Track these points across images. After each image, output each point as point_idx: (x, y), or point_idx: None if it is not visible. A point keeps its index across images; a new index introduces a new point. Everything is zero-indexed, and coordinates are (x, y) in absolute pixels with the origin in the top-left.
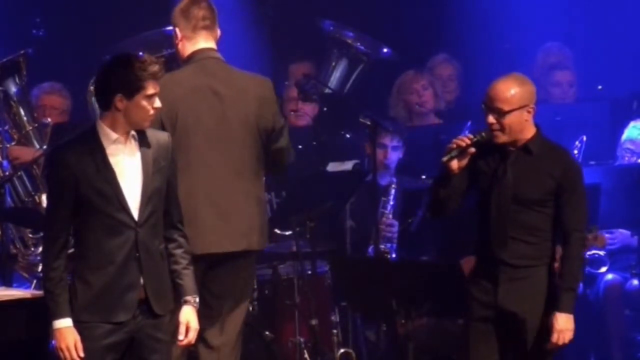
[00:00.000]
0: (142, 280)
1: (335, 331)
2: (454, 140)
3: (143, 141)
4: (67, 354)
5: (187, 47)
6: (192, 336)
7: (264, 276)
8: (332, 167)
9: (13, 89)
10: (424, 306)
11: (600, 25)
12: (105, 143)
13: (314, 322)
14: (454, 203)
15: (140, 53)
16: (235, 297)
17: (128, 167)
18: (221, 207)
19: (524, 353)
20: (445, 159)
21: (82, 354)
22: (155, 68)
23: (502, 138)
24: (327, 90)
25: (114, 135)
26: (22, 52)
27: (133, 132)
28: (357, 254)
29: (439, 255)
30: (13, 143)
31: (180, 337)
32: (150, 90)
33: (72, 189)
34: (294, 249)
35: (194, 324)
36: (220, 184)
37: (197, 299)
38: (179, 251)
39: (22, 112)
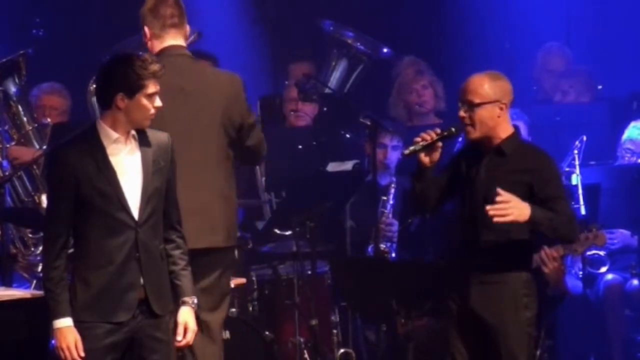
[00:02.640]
0: (142, 281)
1: (335, 331)
2: (421, 134)
3: (143, 141)
4: (67, 353)
5: (156, 45)
6: (190, 337)
7: (264, 276)
8: (332, 167)
9: (13, 89)
10: (424, 306)
11: (600, 25)
12: (105, 142)
13: (314, 322)
14: (432, 200)
15: (141, 52)
16: (212, 297)
17: (128, 167)
18: (184, 205)
19: (495, 356)
20: (406, 151)
21: (82, 354)
22: (156, 67)
23: (473, 134)
24: (327, 90)
25: (115, 135)
26: (22, 52)
27: (133, 132)
28: (357, 254)
29: (439, 255)
30: (13, 143)
31: (179, 337)
32: (151, 89)
33: (72, 188)
34: (294, 249)
35: (193, 325)
36: (185, 181)
37: (196, 300)
38: (177, 252)
39: (21, 112)
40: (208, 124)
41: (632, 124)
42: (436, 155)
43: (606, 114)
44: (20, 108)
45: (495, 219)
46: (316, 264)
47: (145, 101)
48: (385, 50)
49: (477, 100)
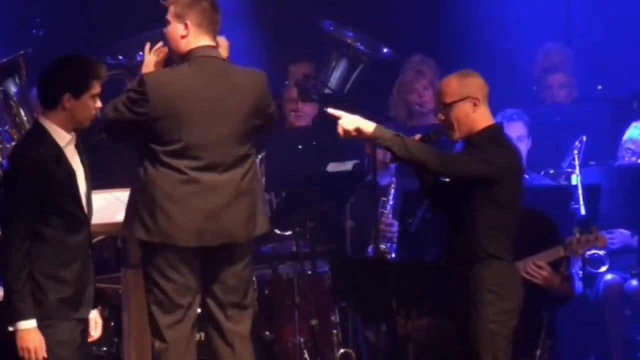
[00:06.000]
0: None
1: (335, 331)
2: None
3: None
4: (33, 355)
5: (192, 43)
6: (100, 331)
7: (264, 276)
8: (332, 167)
9: (13, 89)
10: (424, 306)
11: (600, 25)
12: (60, 142)
13: (314, 322)
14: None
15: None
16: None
17: (76, 166)
18: (211, 204)
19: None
20: (388, 161)
21: (45, 355)
22: (101, 69)
23: (454, 135)
24: (327, 90)
25: (68, 136)
26: (22, 52)
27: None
28: (357, 254)
29: (439, 255)
30: (13, 143)
31: (93, 332)
32: (96, 89)
33: (40, 189)
34: (294, 249)
35: (100, 320)
36: (215, 179)
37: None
38: None
39: (22, 112)
40: (234, 123)
41: (634, 124)
42: None
43: (606, 114)
44: (20, 108)
45: (340, 131)
46: (316, 264)
47: (90, 101)
48: (385, 50)
49: (448, 100)
